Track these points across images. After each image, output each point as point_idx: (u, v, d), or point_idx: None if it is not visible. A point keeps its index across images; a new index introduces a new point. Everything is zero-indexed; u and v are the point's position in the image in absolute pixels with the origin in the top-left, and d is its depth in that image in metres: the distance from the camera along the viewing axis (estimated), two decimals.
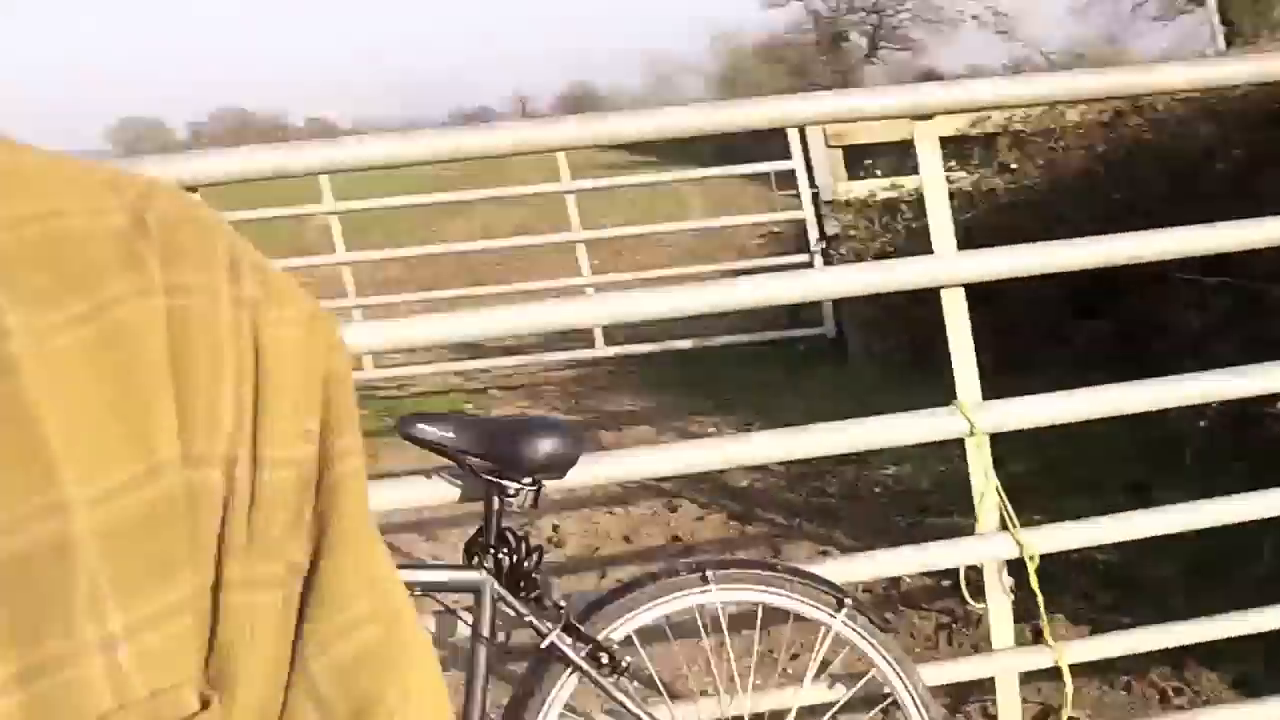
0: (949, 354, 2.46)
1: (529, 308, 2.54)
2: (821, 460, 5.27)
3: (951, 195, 2.70)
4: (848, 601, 2.22)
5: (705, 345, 7.54)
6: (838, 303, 7.36)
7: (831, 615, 2.21)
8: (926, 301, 2.78)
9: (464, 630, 2.23)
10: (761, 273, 2.98)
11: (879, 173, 7.62)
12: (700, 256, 10.44)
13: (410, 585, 2.06)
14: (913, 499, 4.90)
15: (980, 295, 2.58)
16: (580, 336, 8.02)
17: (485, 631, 2.08)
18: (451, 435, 2.04)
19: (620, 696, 2.13)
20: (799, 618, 2.24)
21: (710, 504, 5.13)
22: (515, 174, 9.76)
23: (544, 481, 2.07)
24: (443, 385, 7.78)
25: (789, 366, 7.16)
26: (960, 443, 2.47)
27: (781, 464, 5.34)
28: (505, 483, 2.05)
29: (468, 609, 2.14)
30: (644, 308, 2.52)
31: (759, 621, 2.22)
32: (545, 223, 9.72)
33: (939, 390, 2.57)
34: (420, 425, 2.03)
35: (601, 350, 7.81)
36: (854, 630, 2.23)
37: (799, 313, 7.95)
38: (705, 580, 2.15)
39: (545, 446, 2.03)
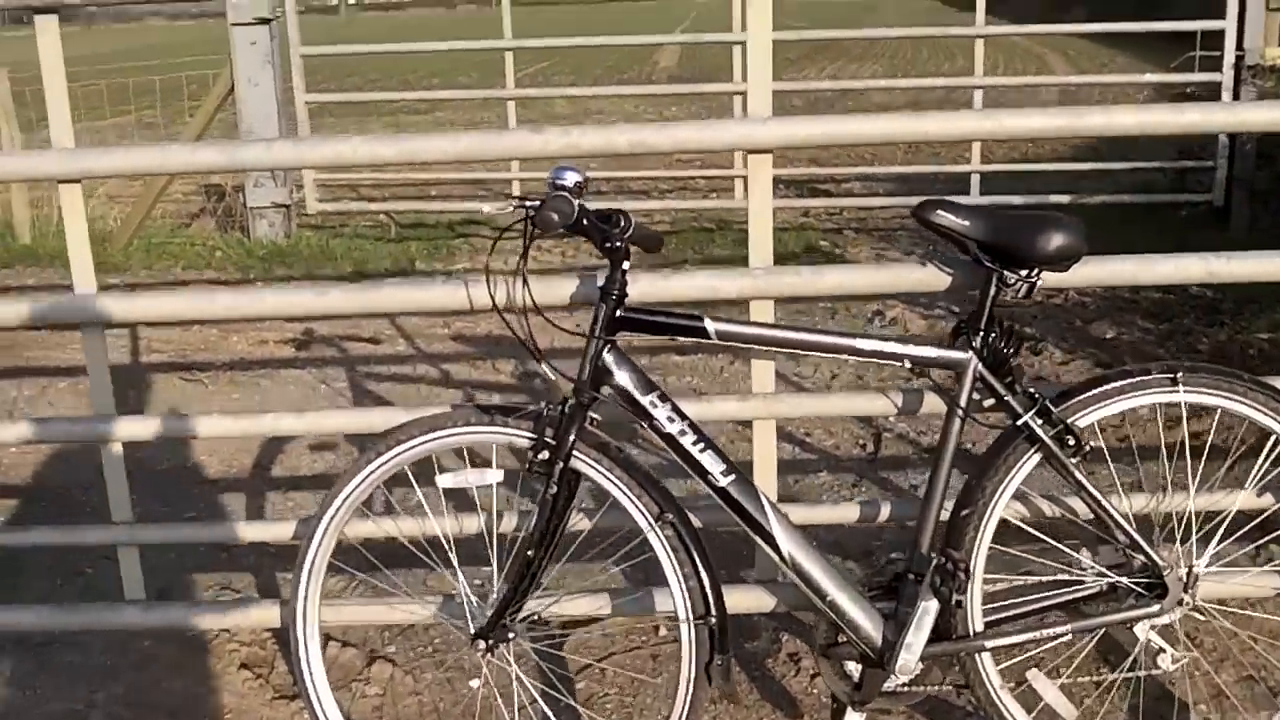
0: None
1: (912, 117, 2.65)
2: (1193, 320, 5.29)
3: None
4: None
5: (1082, 202, 7.52)
6: (1231, 171, 7.17)
7: None
8: None
9: (938, 405, 2.51)
10: None
11: None
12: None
13: (899, 357, 2.36)
14: None
15: None
16: (957, 181, 8.09)
17: (963, 404, 2.34)
18: (966, 223, 2.26)
19: (1079, 477, 2.36)
20: (1253, 425, 2.39)
21: (1075, 350, 5.24)
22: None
23: (1044, 274, 2.29)
24: (794, 222, 8.06)
25: (1164, 230, 6.98)
26: None
27: (1149, 322, 5.39)
28: (1006, 271, 2.28)
29: (945, 386, 2.42)
30: (1029, 122, 2.58)
31: (1214, 423, 2.38)
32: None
33: None
34: (940, 211, 2.26)
35: (975, 199, 7.73)
36: None
37: (1185, 177, 7.81)
38: (1175, 382, 2.32)
39: (1055, 240, 2.22)
